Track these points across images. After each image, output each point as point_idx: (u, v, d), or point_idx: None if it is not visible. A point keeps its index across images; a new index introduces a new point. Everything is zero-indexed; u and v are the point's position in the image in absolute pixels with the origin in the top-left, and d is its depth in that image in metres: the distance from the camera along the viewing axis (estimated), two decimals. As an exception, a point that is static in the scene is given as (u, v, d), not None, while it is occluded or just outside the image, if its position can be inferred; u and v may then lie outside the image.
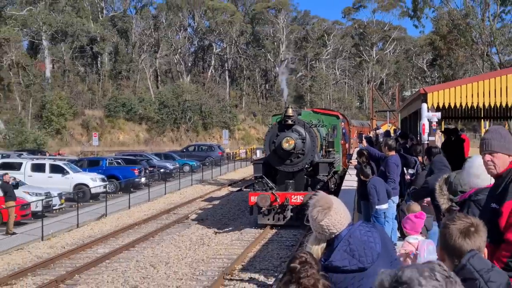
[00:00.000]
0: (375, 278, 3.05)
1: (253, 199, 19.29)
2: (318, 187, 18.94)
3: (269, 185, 19.76)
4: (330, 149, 22.06)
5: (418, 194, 8.52)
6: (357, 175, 12.98)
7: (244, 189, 31.69)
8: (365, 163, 12.06)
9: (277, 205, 19.34)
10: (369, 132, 35.31)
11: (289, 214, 19.59)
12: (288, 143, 18.99)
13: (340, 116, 27.52)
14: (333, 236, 3.54)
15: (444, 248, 3.04)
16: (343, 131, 25.63)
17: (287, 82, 25.71)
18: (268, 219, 19.71)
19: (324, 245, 3.58)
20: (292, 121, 19.26)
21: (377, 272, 3.06)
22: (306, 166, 19.83)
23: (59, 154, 47.02)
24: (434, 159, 9.02)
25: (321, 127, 22.22)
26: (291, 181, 19.74)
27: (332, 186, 21.06)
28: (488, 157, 4.16)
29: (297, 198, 19.22)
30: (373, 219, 10.52)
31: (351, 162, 19.05)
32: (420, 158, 11.83)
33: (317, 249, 3.57)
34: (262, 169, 19.97)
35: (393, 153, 11.35)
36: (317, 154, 20.03)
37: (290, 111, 19.31)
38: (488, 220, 3.63)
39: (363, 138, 15.23)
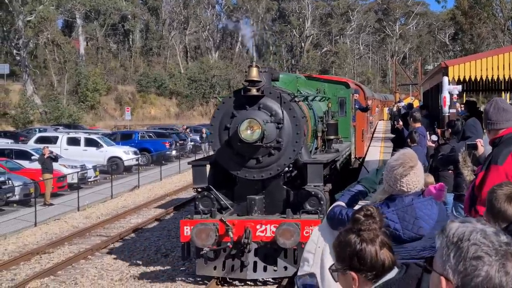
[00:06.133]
0: (403, 255, 3.39)
1: (187, 231, 10.63)
2: (308, 207, 10.79)
3: (222, 203, 11.13)
4: (331, 137, 13.60)
5: (444, 161, 8.50)
6: (395, 140, 12.99)
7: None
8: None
9: (229, 243, 10.58)
10: (393, 105, 35.31)
11: (251, 259, 10.79)
12: (250, 130, 10.45)
13: (352, 85, 18.49)
14: (399, 195, 3.55)
15: (489, 211, 3.18)
16: (356, 106, 18.10)
17: (254, 37, 17.39)
18: (215, 268, 10.93)
19: (386, 196, 3.62)
20: (259, 90, 10.65)
21: (406, 250, 3.38)
22: (286, 169, 11.25)
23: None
24: (468, 122, 8.93)
25: (320, 100, 14.61)
26: (257, 197, 11.05)
27: (328, 189, 11.97)
28: None
29: (265, 230, 10.56)
30: None
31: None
32: (439, 130, 12.02)
33: (380, 198, 3.66)
34: (209, 176, 11.47)
35: (418, 124, 11.45)
36: (305, 148, 11.43)
37: (254, 73, 10.54)
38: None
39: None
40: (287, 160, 11.00)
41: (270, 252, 10.83)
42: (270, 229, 10.56)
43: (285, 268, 10.61)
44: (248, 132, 10.49)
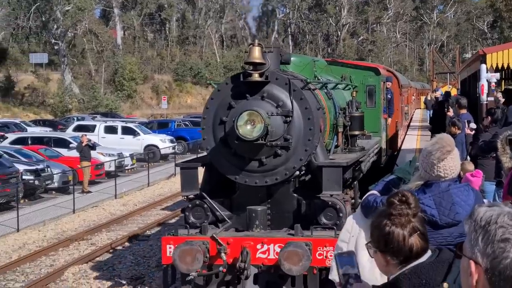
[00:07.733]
0: (440, 241, 3.37)
1: (170, 251, 8.36)
2: (324, 220, 8.50)
3: (217, 214, 8.83)
4: (356, 132, 10.92)
5: (485, 148, 8.40)
6: (432, 126, 12.62)
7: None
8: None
9: (222, 267, 8.19)
10: (427, 94, 35.01)
11: (250, 287, 8.30)
12: (251, 125, 8.12)
13: (383, 71, 15.66)
14: (436, 181, 3.54)
15: None
16: (389, 96, 15.61)
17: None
18: None
19: (422, 182, 3.62)
20: (262, 75, 8.37)
21: (443, 236, 3.40)
22: (297, 173, 8.82)
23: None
24: (510, 108, 8.93)
25: (344, 88, 12.35)
26: (259, 208, 8.71)
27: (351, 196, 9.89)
28: None
29: (268, 250, 8.26)
30: None
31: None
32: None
33: (416, 185, 3.63)
34: (202, 181, 9.27)
35: (464, 111, 11.46)
36: (320, 146, 8.94)
37: (257, 53, 8.26)
38: None
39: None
40: (297, 163, 8.53)
41: (273, 279, 8.35)
42: (274, 250, 8.19)
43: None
44: (248, 127, 8.12)
